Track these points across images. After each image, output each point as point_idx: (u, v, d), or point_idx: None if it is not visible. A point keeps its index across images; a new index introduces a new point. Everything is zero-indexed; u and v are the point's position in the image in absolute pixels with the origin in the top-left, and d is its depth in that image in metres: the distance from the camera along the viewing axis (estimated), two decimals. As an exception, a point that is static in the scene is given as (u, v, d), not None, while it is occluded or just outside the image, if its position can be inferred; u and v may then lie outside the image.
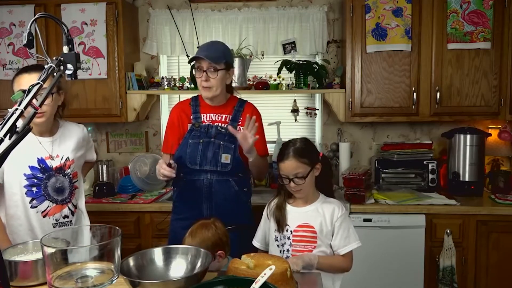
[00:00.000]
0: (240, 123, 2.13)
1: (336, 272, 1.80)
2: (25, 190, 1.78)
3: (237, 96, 2.24)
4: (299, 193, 1.80)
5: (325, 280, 1.65)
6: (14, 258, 1.43)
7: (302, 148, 1.79)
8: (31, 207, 1.79)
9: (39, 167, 1.79)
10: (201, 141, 2.09)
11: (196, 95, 2.25)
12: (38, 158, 1.80)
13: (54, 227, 1.82)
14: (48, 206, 1.82)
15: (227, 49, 2.13)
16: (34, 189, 1.79)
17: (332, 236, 1.79)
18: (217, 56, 2.01)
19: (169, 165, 1.95)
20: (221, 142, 2.08)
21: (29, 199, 1.78)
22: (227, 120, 2.13)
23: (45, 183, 1.80)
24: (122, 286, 1.25)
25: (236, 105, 2.17)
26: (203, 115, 2.14)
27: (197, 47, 3.12)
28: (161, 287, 1.25)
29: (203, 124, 2.12)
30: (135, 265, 1.35)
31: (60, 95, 1.85)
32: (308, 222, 1.78)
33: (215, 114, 2.14)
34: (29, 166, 1.78)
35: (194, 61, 2.08)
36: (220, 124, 2.12)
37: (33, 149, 1.79)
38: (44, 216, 1.81)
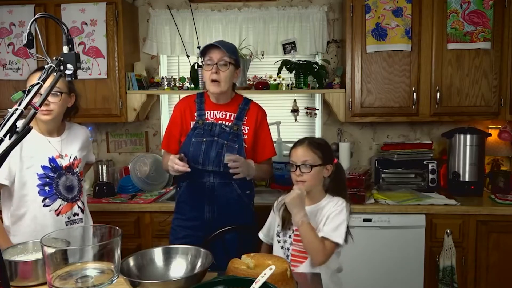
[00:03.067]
0: (245, 122, 2.13)
1: (308, 251, 1.71)
2: (38, 190, 1.80)
3: (242, 95, 2.24)
4: (302, 185, 1.77)
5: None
6: (14, 258, 1.43)
7: (319, 143, 1.83)
8: (44, 206, 1.81)
9: (50, 166, 1.83)
10: (204, 139, 2.08)
11: (201, 91, 2.24)
12: (49, 157, 1.83)
13: (66, 225, 1.85)
14: (60, 205, 1.85)
15: (236, 49, 2.16)
16: (46, 188, 1.82)
17: None
18: (229, 48, 2.04)
19: (180, 159, 1.95)
20: (225, 142, 2.07)
21: (41, 198, 1.81)
22: (232, 119, 2.12)
23: (56, 182, 1.84)
24: (122, 286, 1.25)
25: (241, 104, 2.16)
26: (207, 112, 2.13)
27: (197, 47, 3.12)
28: (161, 287, 1.25)
29: (207, 121, 2.11)
30: (135, 265, 1.35)
31: (71, 97, 1.88)
32: (310, 223, 1.78)
33: (219, 112, 2.13)
34: (41, 166, 1.81)
35: (202, 57, 2.08)
36: (224, 123, 2.11)
37: (44, 149, 1.83)
38: (57, 215, 1.84)
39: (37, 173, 1.80)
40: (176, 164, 1.92)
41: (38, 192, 1.80)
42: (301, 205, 1.70)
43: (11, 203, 1.82)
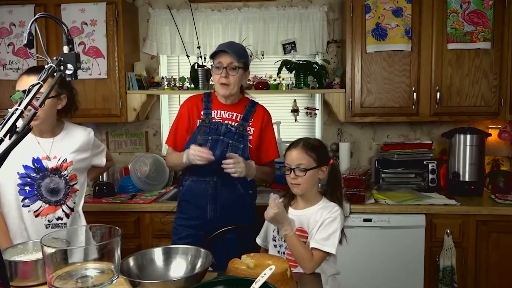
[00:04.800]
0: (250, 123, 2.14)
1: (297, 260, 1.67)
2: (18, 189, 1.78)
3: (248, 97, 2.25)
4: (297, 188, 1.76)
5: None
6: (14, 258, 1.43)
7: (313, 144, 1.80)
8: (23, 206, 1.79)
9: (33, 167, 1.79)
10: (209, 138, 2.09)
11: (209, 91, 2.25)
12: (33, 157, 1.79)
13: (46, 228, 1.80)
14: (41, 207, 1.81)
15: (246, 51, 2.16)
16: (27, 188, 1.78)
17: None
18: (239, 52, 2.04)
19: (199, 145, 1.96)
20: (230, 141, 2.09)
21: (21, 197, 1.78)
22: (238, 119, 2.14)
23: (38, 183, 1.79)
24: (122, 286, 1.25)
25: (248, 105, 2.19)
26: (214, 112, 2.14)
27: (197, 47, 3.12)
28: (161, 287, 1.25)
29: (213, 120, 2.12)
30: (135, 265, 1.35)
31: (61, 99, 1.82)
32: (303, 226, 1.76)
33: (225, 112, 2.15)
34: (23, 165, 1.77)
35: (212, 60, 2.08)
36: (230, 123, 2.12)
37: (29, 149, 1.79)
38: (36, 216, 1.80)
39: (18, 172, 1.77)
40: (201, 152, 1.93)
41: (18, 192, 1.78)
42: (282, 220, 1.66)
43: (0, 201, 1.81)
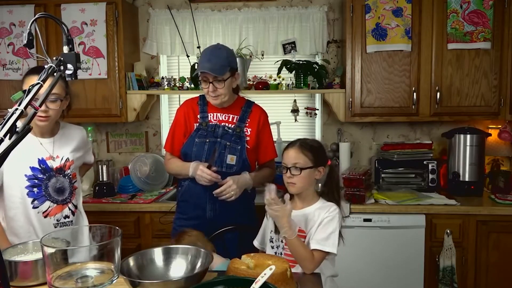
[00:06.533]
0: (247, 124, 2.14)
1: (297, 260, 1.66)
2: (27, 191, 1.78)
3: (244, 97, 2.25)
4: (292, 187, 1.76)
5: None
6: (14, 258, 1.43)
7: (310, 145, 1.80)
8: (33, 207, 1.79)
9: (39, 168, 1.80)
10: (207, 140, 2.10)
11: (203, 93, 2.25)
12: (39, 158, 1.80)
13: (55, 227, 1.82)
14: (49, 207, 1.82)
15: (230, 54, 2.10)
16: (35, 189, 1.79)
17: None
18: (221, 66, 2.00)
19: (208, 167, 1.97)
20: (227, 143, 2.09)
21: (30, 199, 1.79)
22: (235, 121, 2.14)
23: (45, 183, 1.81)
24: (122, 286, 1.25)
25: (244, 106, 2.18)
26: (210, 115, 2.15)
27: (197, 47, 3.12)
28: (161, 287, 1.25)
29: (210, 123, 2.12)
30: (135, 265, 1.35)
31: (67, 99, 1.85)
32: (301, 226, 1.76)
33: (222, 114, 2.15)
34: (30, 167, 1.78)
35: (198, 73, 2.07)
36: (227, 124, 2.12)
37: (33, 150, 1.80)
38: (45, 217, 1.81)
39: (26, 174, 1.77)
40: (209, 174, 1.96)
41: (27, 194, 1.78)
42: (282, 221, 1.63)
43: (4, 204, 1.81)
